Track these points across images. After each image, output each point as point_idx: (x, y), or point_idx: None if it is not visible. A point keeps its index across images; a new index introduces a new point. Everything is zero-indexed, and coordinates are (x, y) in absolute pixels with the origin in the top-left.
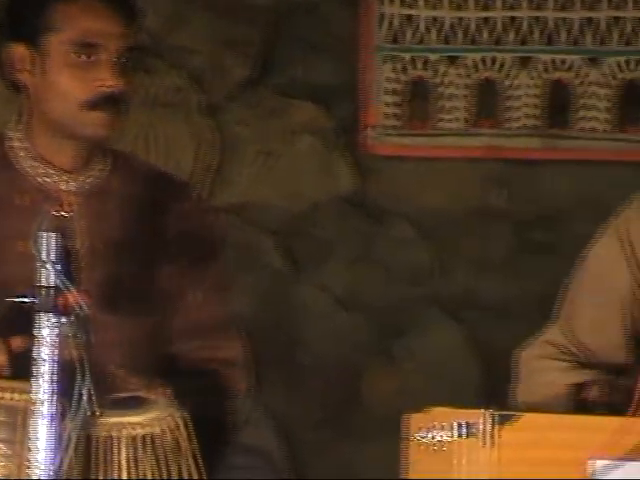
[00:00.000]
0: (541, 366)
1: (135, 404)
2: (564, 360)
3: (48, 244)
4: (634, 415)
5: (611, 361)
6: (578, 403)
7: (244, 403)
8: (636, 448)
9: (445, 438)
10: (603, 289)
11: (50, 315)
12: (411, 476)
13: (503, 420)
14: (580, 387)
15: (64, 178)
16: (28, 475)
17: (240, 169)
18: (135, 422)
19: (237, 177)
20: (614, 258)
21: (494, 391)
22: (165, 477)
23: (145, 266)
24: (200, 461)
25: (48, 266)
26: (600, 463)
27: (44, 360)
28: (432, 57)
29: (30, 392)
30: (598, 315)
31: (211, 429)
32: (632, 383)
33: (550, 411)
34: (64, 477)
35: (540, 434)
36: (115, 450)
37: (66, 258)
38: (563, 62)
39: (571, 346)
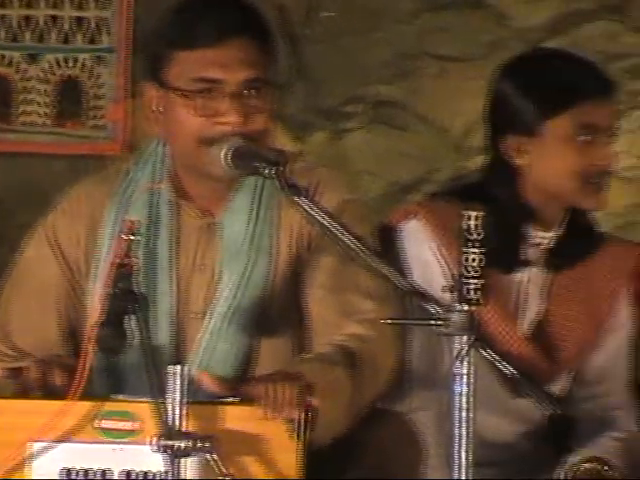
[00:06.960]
0: None
1: None
2: (6, 362)
3: None
4: (72, 399)
5: None
6: (17, 387)
7: None
8: (72, 429)
9: None
10: (34, 291)
11: None
12: None
13: None
14: (17, 371)
15: None
16: None
17: None
18: None
19: None
20: (44, 260)
21: None
22: None
23: None
24: None
25: None
26: (39, 445)
27: None
28: None
29: None
30: (31, 317)
31: None
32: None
33: None
34: None
35: None
36: None
37: None
38: (3, 57)
39: (10, 351)
